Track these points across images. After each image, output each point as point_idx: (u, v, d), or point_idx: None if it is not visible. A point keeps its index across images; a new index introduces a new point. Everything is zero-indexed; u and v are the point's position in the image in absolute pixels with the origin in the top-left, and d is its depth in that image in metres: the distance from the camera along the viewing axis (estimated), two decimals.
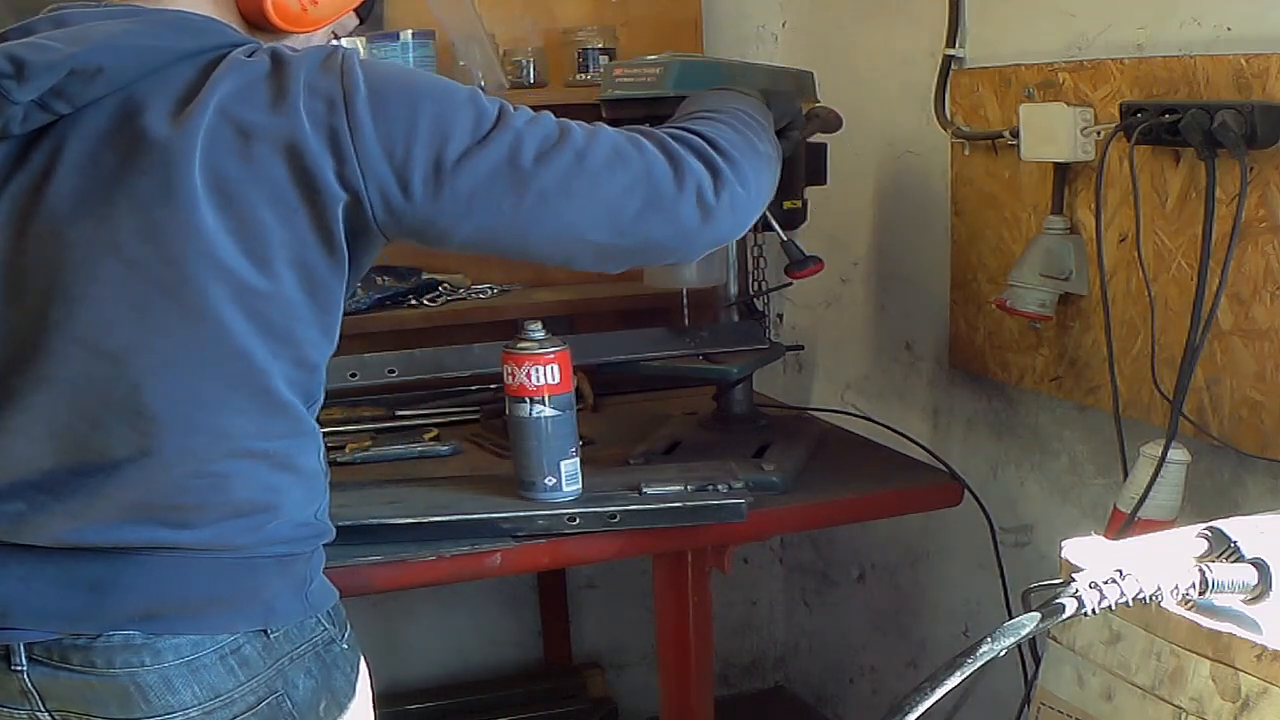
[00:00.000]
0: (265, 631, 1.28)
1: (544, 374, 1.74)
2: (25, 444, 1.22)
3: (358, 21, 1.46)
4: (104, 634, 1.23)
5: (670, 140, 1.37)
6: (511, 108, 1.31)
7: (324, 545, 1.37)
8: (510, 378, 1.75)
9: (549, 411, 1.75)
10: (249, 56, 1.24)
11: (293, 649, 1.30)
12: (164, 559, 1.24)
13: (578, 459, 1.79)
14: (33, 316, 1.20)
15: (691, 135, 1.39)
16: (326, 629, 1.34)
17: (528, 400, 1.75)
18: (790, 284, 2.62)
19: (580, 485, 1.80)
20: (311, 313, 1.27)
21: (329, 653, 1.34)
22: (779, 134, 1.68)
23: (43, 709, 1.25)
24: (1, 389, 1.22)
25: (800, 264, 2.04)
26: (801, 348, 2.51)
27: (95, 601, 1.23)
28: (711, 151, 1.38)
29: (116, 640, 1.23)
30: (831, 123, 1.99)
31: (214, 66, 1.22)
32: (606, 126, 1.36)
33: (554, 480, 1.77)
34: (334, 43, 1.37)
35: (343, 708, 1.36)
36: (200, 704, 1.25)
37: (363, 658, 1.41)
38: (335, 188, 1.22)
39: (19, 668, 1.24)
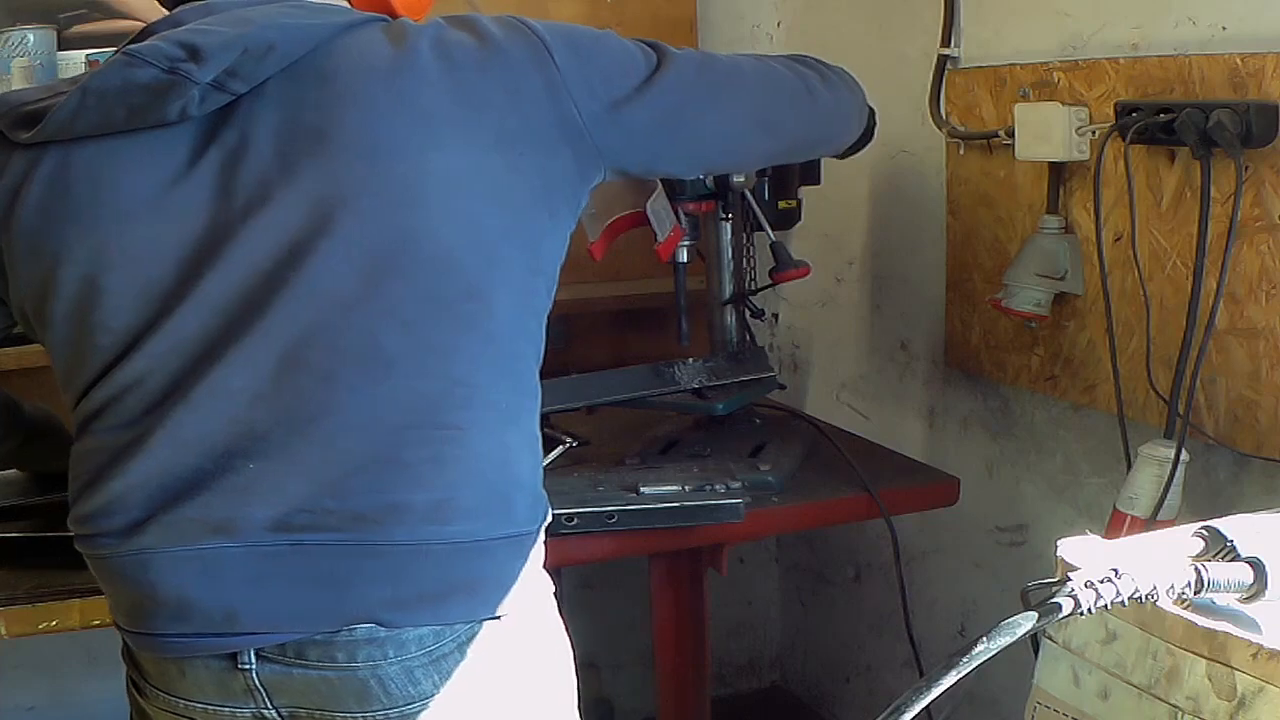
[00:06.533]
0: (499, 616, 1.25)
1: None
2: (241, 405, 1.19)
3: None
4: (344, 629, 1.20)
5: (788, 60, 1.59)
6: (660, 43, 1.42)
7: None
8: None
9: None
10: (420, 23, 1.29)
11: (522, 629, 1.28)
12: (402, 549, 1.20)
13: None
14: (257, 280, 1.19)
15: (803, 56, 1.63)
16: (546, 607, 1.33)
17: None
18: (778, 282, 2.63)
19: None
20: (535, 259, 1.30)
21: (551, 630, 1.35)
22: None
23: (269, 705, 1.23)
24: (213, 356, 1.20)
25: (783, 267, 2.05)
26: (784, 386, 2.48)
27: (332, 597, 1.20)
28: (821, 66, 1.62)
29: (359, 634, 1.20)
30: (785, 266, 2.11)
31: (399, 27, 1.27)
32: (734, 54, 1.57)
33: None
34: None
35: (563, 677, 1.35)
36: (440, 692, 1.22)
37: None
38: (555, 128, 1.28)
39: (246, 666, 1.21)
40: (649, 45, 1.39)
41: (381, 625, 1.20)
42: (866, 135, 1.83)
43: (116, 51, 1.23)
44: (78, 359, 1.24)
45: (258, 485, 1.19)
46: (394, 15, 1.35)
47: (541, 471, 1.34)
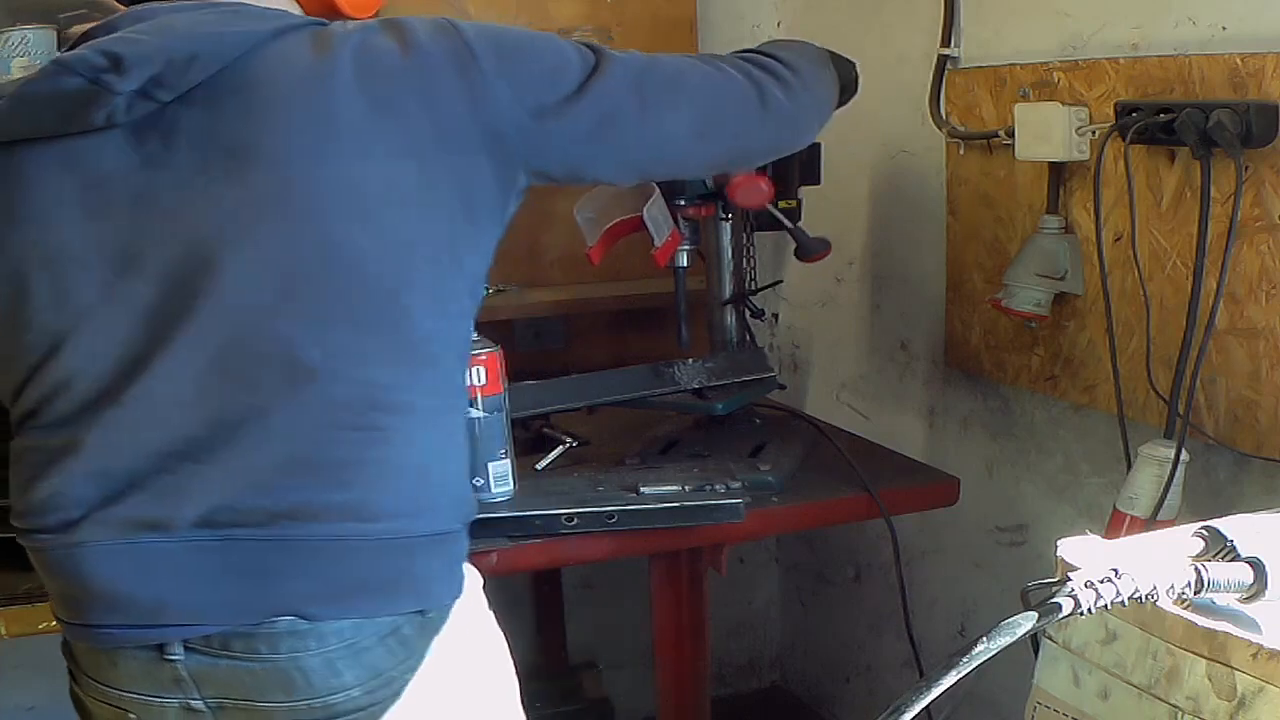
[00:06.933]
0: (422, 612, 1.29)
1: (470, 375, 1.74)
2: (172, 410, 1.22)
3: None
4: (266, 621, 1.23)
5: (744, 63, 1.52)
6: (602, 46, 1.40)
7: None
8: None
9: (476, 413, 1.76)
10: (348, 27, 1.29)
11: (445, 627, 1.31)
12: (324, 545, 1.24)
13: (508, 460, 1.80)
14: (175, 287, 1.22)
15: (762, 56, 1.55)
16: (472, 608, 1.36)
17: None
18: (780, 281, 2.63)
19: (511, 487, 1.80)
20: (454, 263, 1.30)
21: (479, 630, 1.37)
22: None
23: (198, 697, 1.26)
24: (142, 360, 1.23)
25: (808, 250, 2.05)
26: (784, 386, 2.48)
27: (255, 590, 1.23)
28: (781, 67, 1.53)
29: (281, 626, 1.23)
30: (810, 250, 2.07)
31: (324, 35, 1.27)
32: (686, 56, 1.52)
33: (482, 481, 1.78)
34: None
35: (493, 680, 1.38)
36: (362, 684, 1.25)
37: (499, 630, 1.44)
38: (475, 133, 1.27)
39: (174, 657, 1.24)
40: (590, 49, 1.38)
41: (303, 618, 1.23)
42: (848, 94, 1.80)
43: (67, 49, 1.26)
44: (10, 358, 1.27)
45: (188, 486, 1.22)
46: (339, 15, 1.36)
47: (466, 470, 1.38)
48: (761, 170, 2.00)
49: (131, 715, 1.29)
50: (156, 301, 1.22)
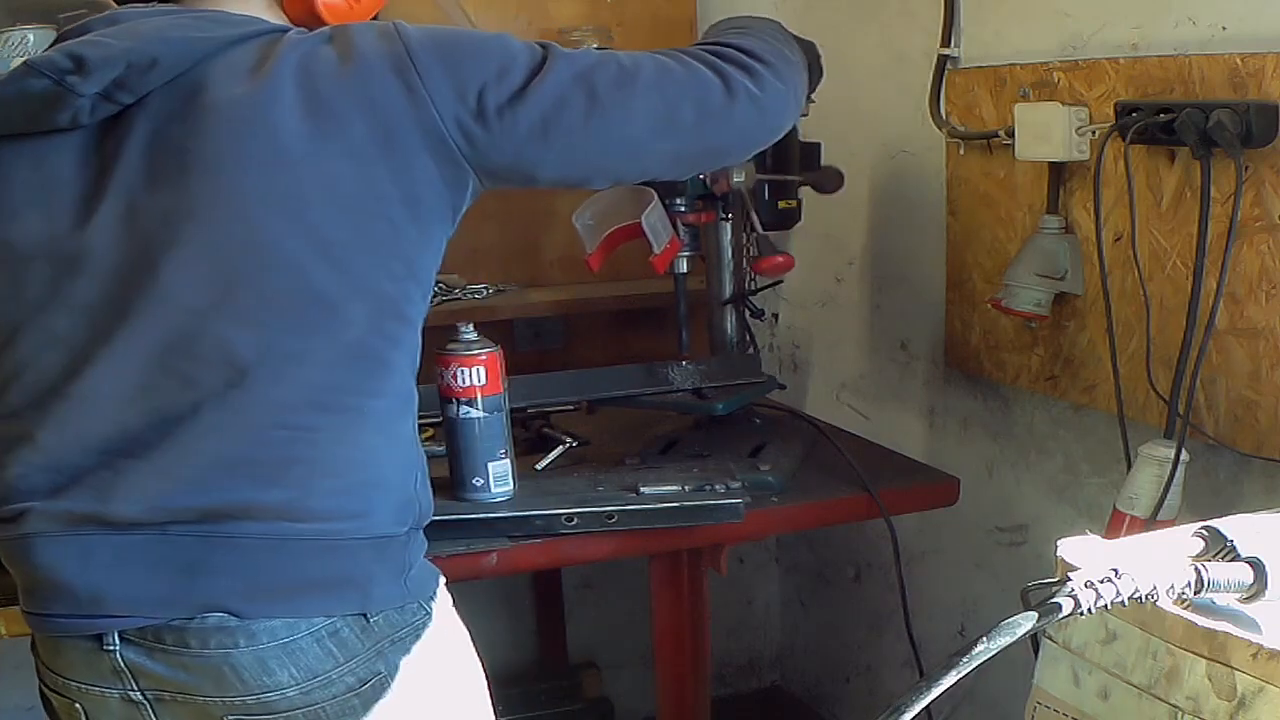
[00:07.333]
0: (364, 615, 1.30)
1: (471, 375, 1.75)
2: (113, 406, 1.25)
3: None
4: (197, 616, 1.25)
5: (709, 55, 1.46)
6: (554, 45, 1.38)
7: (424, 530, 1.40)
8: (439, 378, 1.77)
9: (476, 413, 1.76)
10: (302, 35, 1.31)
11: (393, 632, 1.32)
12: (258, 542, 1.25)
13: (508, 460, 1.80)
14: (116, 286, 1.25)
15: (727, 48, 1.48)
16: (428, 613, 1.36)
17: (455, 401, 1.76)
18: (780, 281, 2.63)
19: (511, 487, 1.80)
20: (400, 265, 1.31)
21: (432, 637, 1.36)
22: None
23: (135, 688, 1.28)
24: (86, 356, 1.25)
25: (827, 185, 2.05)
26: (784, 386, 2.48)
27: (187, 585, 1.25)
28: (748, 59, 1.47)
29: (210, 622, 1.25)
30: (829, 183, 2.02)
31: (275, 43, 1.28)
32: (650, 52, 1.45)
33: (482, 481, 1.78)
34: None
35: (451, 690, 1.38)
36: (298, 684, 1.26)
37: (469, 638, 1.43)
38: (415, 135, 1.28)
39: (111, 648, 1.27)
40: (542, 47, 1.36)
41: (232, 615, 1.25)
42: (815, 76, 1.78)
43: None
44: None
45: (127, 482, 1.25)
46: (323, 23, 1.37)
47: (418, 475, 1.38)
48: (777, 250, 2.04)
49: (79, 705, 1.32)
50: (99, 300, 1.25)
